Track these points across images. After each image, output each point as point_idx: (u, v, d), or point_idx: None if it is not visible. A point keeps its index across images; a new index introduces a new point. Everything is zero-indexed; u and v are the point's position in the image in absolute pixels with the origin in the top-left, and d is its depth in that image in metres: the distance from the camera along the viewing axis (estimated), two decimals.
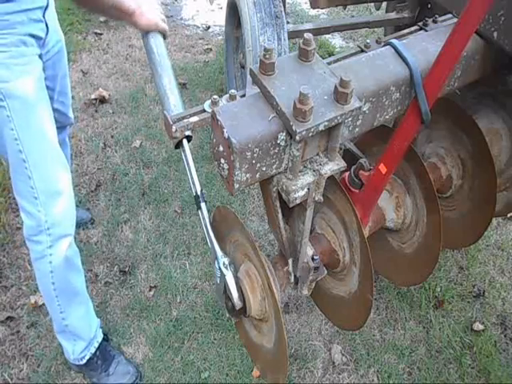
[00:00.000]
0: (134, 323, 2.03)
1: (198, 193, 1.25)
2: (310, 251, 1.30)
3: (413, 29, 1.48)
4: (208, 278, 2.19)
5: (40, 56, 1.50)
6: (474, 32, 1.09)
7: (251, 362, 1.89)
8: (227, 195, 2.53)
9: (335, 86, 0.97)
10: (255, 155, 0.97)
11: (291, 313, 2.09)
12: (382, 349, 1.98)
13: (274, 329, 1.29)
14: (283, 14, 2.15)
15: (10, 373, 1.87)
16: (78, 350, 1.79)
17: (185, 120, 1.21)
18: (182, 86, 3.27)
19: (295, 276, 1.36)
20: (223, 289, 1.25)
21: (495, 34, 1.28)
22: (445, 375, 1.93)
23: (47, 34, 1.54)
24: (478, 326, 2.06)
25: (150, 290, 2.15)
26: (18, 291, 2.12)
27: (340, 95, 0.97)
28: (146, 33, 1.52)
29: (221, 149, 0.99)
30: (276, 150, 1.00)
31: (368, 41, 1.41)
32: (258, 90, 1.03)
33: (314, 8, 2.35)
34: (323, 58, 1.11)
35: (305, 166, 1.08)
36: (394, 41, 1.26)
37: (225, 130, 0.95)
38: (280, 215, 1.21)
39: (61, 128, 1.87)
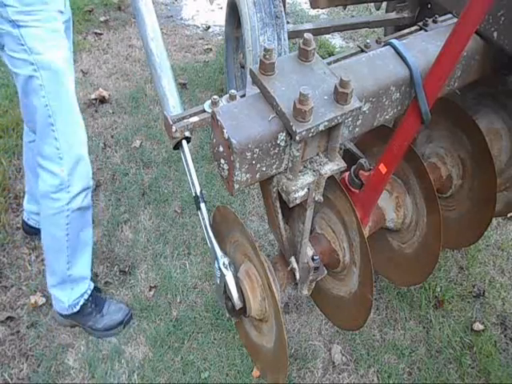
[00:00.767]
0: (134, 323, 2.03)
1: (198, 193, 1.26)
2: (310, 251, 1.30)
3: (413, 29, 1.49)
4: (208, 277, 2.19)
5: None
6: (473, 32, 1.09)
7: (251, 362, 1.89)
8: (227, 195, 2.53)
9: (335, 86, 0.97)
10: (255, 155, 0.97)
11: (291, 313, 2.09)
12: (382, 349, 1.98)
13: (274, 329, 1.29)
14: (283, 14, 2.15)
15: (10, 373, 1.87)
16: (73, 297, 1.90)
17: (185, 120, 1.21)
18: (182, 86, 3.27)
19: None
20: (223, 289, 1.26)
21: (495, 34, 1.28)
22: (445, 375, 1.93)
23: (65, 8, 1.65)
24: (478, 326, 2.06)
25: (150, 290, 2.15)
26: (18, 291, 2.12)
27: (340, 95, 0.97)
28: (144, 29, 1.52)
29: (221, 149, 0.99)
30: (276, 151, 1.00)
31: (368, 41, 1.41)
32: (258, 91, 1.03)
33: (313, 8, 2.35)
34: (323, 58, 1.11)
35: (305, 166, 1.08)
36: (393, 41, 1.26)
37: (225, 131, 0.95)
38: (280, 215, 1.21)
39: None
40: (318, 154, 1.08)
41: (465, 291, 2.20)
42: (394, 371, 1.91)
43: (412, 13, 2.49)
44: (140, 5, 1.46)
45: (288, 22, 3.38)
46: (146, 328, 2.02)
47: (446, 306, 2.13)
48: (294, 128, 0.93)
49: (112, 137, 2.88)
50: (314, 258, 1.29)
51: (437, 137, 1.73)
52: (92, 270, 1.99)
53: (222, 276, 1.22)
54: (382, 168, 1.30)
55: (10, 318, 2.02)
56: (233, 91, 1.14)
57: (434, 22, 1.47)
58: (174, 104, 1.35)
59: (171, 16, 4.11)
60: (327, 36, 3.85)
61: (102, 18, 3.90)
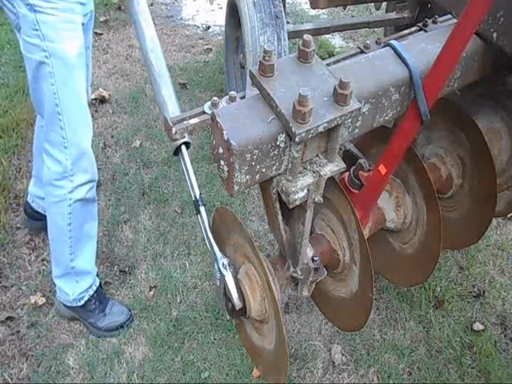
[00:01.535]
0: (134, 323, 2.03)
1: (197, 197, 1.30)
2: (309, 252, 1.30)
3: (412, 29, 1.48)
4: (208, 277, 2.19)
5: (82, 24, 1.61)
6: (473, 33, 1.09)
7: (251, 362, 1.89)
8: (227, 195, 2.53)
9: (334, 88, 0.97)
10: (255, 157, 0.97)
11: (291, 313, 2.09)
12: (382, 349, 1.98)
13: (274, 329, 1.29)
14: (283, 14, 2.15)
15: (10, 373, 1.87)
16: (78, 291, 1.91)
17: (185, 122, 1.21)
18: (182, 86, 3.27)
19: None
20: (223, 291, 1.26)
21: (495, 35, 1.28)
22: (445, 375, 1.93)
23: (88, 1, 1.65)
24: (477, 326, 2.06)
25: (150, 290, 2.15)
26: (18, 291, 2.12)
27: (339, 96, 0.97)
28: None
29: (220, 151, 0.99)
30: (276, 152, 1.00)
31: (368, 41, 1.41)
32: (258, 92, 1.03)
33: (313, 8, 2.35)
34: (323, 59, 1.11)
35: (304, 168, 1.08)
36: (393, 42, 1.25)
37: (224, 132, 0.95)
38: (280, 216, 1.21)
39: None
40: (317, 155, 1.08)
41: (465, 291, 2.20)
42: (393, 371, 1.92)
43: (412, 13, 2.50)
44: (139, 18, 1.54)
45: (288, 22, 3.38)
46: (145, 328, 2.02)
47: (446, 306, 2.13)
48: (293, 129, 0.94)
49: (112, 137, 2.88)
50: (314, 258, 1.29)
51: (436, 137, 1.73)
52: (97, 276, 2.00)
53: (222, 277, 1.23)
54: (382, 169, 1.30)
55: (9, 318, 2.02)
56: (232, 93, 1.15)
57: (434, 22, 1.46)
58: (173, 110, 1.41)
59: (171, 16, 4.10)
60: (327, 36, 3.85)
61: (102, 18, 3.89)
